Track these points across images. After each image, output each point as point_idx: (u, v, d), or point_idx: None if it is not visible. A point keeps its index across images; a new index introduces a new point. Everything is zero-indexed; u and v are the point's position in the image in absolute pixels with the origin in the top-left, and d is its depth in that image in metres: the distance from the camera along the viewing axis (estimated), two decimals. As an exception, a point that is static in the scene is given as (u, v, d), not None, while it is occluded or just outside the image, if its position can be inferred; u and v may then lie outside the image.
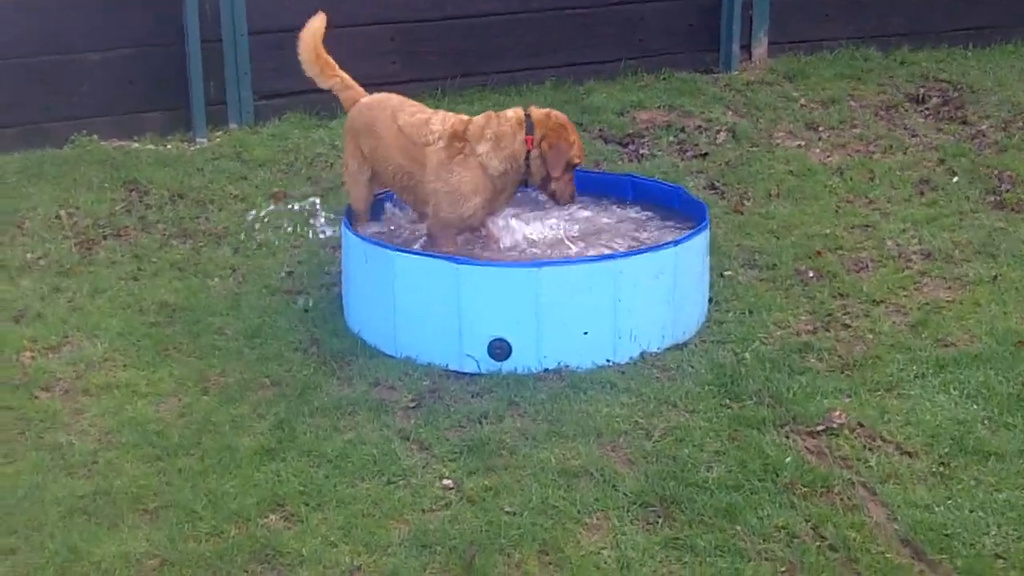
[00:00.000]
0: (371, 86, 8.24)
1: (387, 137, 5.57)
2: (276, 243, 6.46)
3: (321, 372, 5.09)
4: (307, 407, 4.81)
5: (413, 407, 4.82)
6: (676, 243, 5.21)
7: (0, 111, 7.48)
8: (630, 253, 5.16)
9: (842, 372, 5.11)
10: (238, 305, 5.73)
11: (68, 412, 4.86)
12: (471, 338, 5.03)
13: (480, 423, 4.68)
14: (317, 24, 5.99)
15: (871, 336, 5.43)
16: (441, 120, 5.49)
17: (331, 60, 5.96)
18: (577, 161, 5.41)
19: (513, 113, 5.40)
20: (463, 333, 5.02)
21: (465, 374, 5.05)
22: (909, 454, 4.52)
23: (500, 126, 5.35)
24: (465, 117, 5.56)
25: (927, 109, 8.65)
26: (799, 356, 5.21)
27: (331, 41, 8.12)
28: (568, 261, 5.10)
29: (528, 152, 5.31)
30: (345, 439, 4.58)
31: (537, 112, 5.41)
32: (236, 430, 4.66)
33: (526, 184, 5.48)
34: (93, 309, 5.71)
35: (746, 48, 9.29)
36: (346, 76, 5.98)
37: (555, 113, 5.46)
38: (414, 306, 5.10)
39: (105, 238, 6.50)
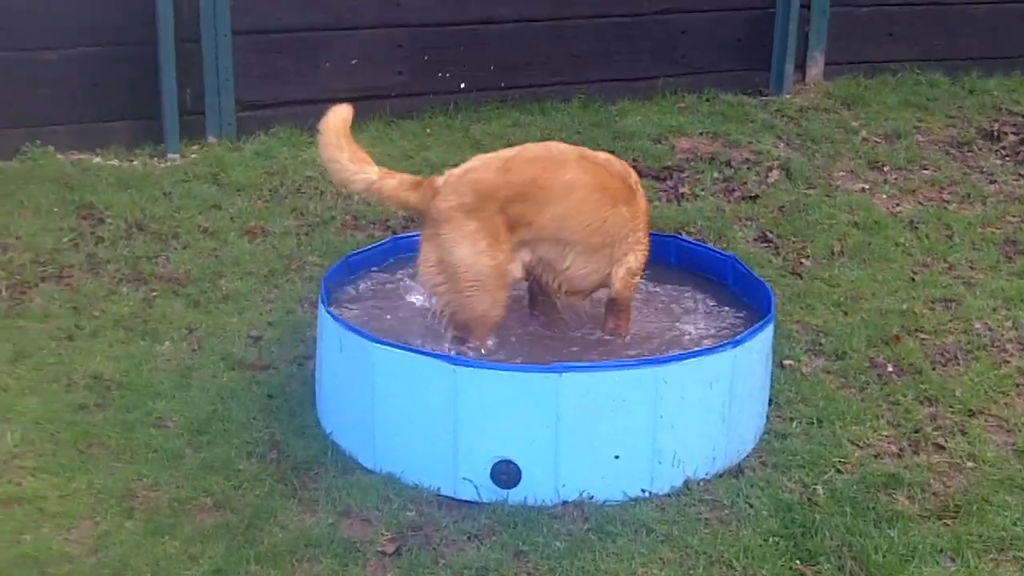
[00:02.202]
0: (372, 99, 7.25)
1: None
2: (245, 295, 5.39)
3: (278, 492, 4.01)
4: (254, 549, 3.72)
5: (391, 554, 3.74)
6: (735, 343, 4.12)
7: (-59, 115, 6.45)
8: (676, 357, 4.06)
9: (940, 519, 4.01)
10: (187, 384, 4.66)
11: (-49, 537, 3.80)
12: (470, 458, 3.95)
13: (477, 586, 3.61)
14: (345, 115, 4.38)
15: (971, 465, 4.34)
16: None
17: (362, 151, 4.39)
18: None
19: None
20: (460, 451, 3.95)
21: (461, 503, 3.98)
22: (1041, 660, 3.45)
23: None
24: None
25: (1003, 148, 7.64)
26: (885, 493, 4.12)
27: (326, 44, 7.15)
28: (597, 366, 4.01)
29: None
30: (299, 605, 3.51)
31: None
32: (159, 581, 3.60)
33: None
34: (11, 381, 4.64)
35: (800, 68, 8.25)
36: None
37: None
38: (399, 413, 4.02)
39: (43, 280, 5.44)
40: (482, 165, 4.32)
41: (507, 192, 4.22)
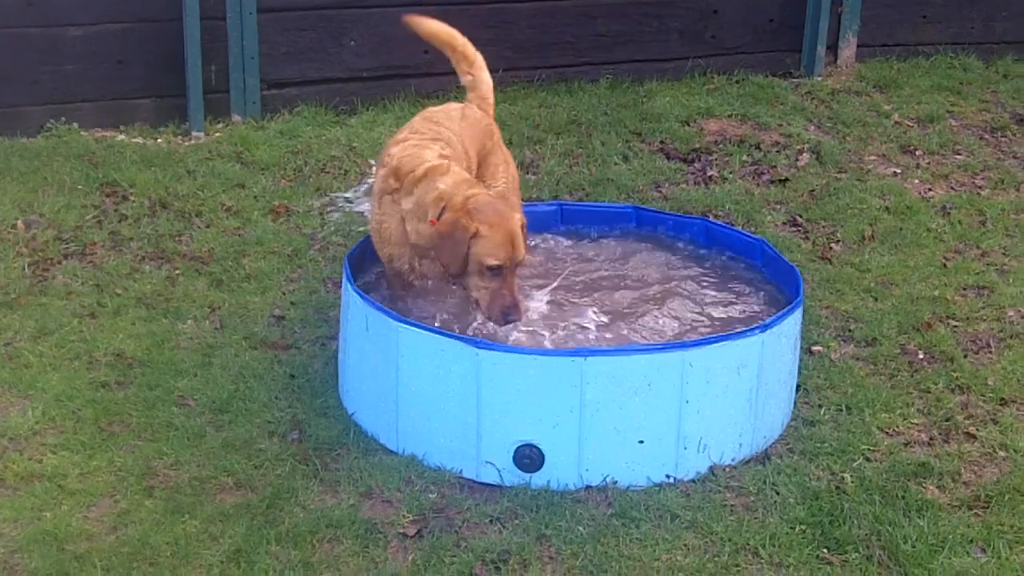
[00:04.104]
0: (399, 78, 7.20)
1: None
2: (268, 274, 5.35)
3: (300, 472, 3.98)
4: (275, 529, 3.69)
5: (413, 536, 3.70)
6: (764, 327, 4.05)
7: (-36, 91, 6.42)
8: (703, 341, 4.00)
9: (971, 509, 3.94)
10: (209, 363, 4.62)
11: (-30, 513, 3.78)
12: (493, 441, 3.90)
13: (498, 569, 3.56)
14: None
15: (1003, 454, 4.26)
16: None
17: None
18: (494, 263, 4.00)
19: (448, 182, 4.15)
20: (483, 435, 3.90)
21: (483, 486, 3.93)
22: (1074, 654, 3.38)
23: (426, 192, 4.16)
24: (421, 154, 4.28)
25: (1037, 133, 7.49)
26: (915, 482, 4.05)
27: (352, 23, 7.08)
28: (622, 350, 3.95)
29: None
30: (318, 587, 3.47)
31: (462, 193, 4.09)
32: (177, 561, 3.56)
33: None
34: (33, 358, 4.62)
35: (832, 49, 8.14)
36: None
37: (479, 197, 4.09)
38: (422, 394, 3.98)
39: (67, 257, 5.41)
40: None
41: None
